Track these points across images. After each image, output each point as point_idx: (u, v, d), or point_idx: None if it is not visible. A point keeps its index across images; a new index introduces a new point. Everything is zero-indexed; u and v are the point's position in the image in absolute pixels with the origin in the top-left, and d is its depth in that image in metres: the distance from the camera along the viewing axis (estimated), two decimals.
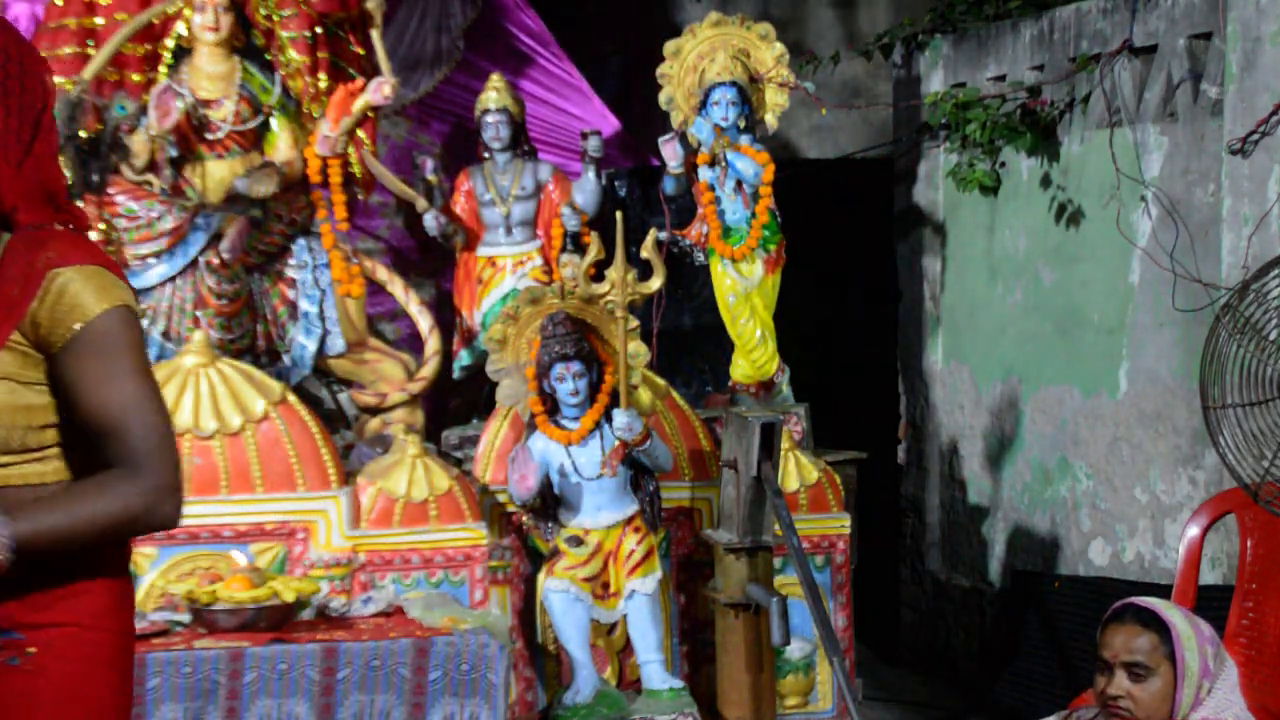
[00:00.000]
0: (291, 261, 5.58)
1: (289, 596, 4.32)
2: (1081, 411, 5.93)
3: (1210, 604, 4.22)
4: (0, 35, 2.16)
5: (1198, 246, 5.26)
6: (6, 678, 2.07)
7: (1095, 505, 5.85)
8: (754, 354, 5.70)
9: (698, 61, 5.64)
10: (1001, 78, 6.35)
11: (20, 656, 2.09)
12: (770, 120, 5.73)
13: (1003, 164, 6.35)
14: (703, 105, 5.57)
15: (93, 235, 5.80)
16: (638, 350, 4.76)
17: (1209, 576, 5.04)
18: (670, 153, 5.57)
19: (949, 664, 6.63)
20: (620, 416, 4.57)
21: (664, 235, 5.58)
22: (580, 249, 5.59)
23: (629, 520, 4.76)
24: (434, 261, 6.73)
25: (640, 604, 4.74)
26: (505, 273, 6.08)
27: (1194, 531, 4.46)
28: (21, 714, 2.08)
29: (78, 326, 2.10)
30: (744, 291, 5.64)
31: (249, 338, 5.47)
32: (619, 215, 4.75)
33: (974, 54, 6.52)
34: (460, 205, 6.10)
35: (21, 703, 2.08)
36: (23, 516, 2.04)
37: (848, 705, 3.58)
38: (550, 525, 4.78)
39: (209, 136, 5.43)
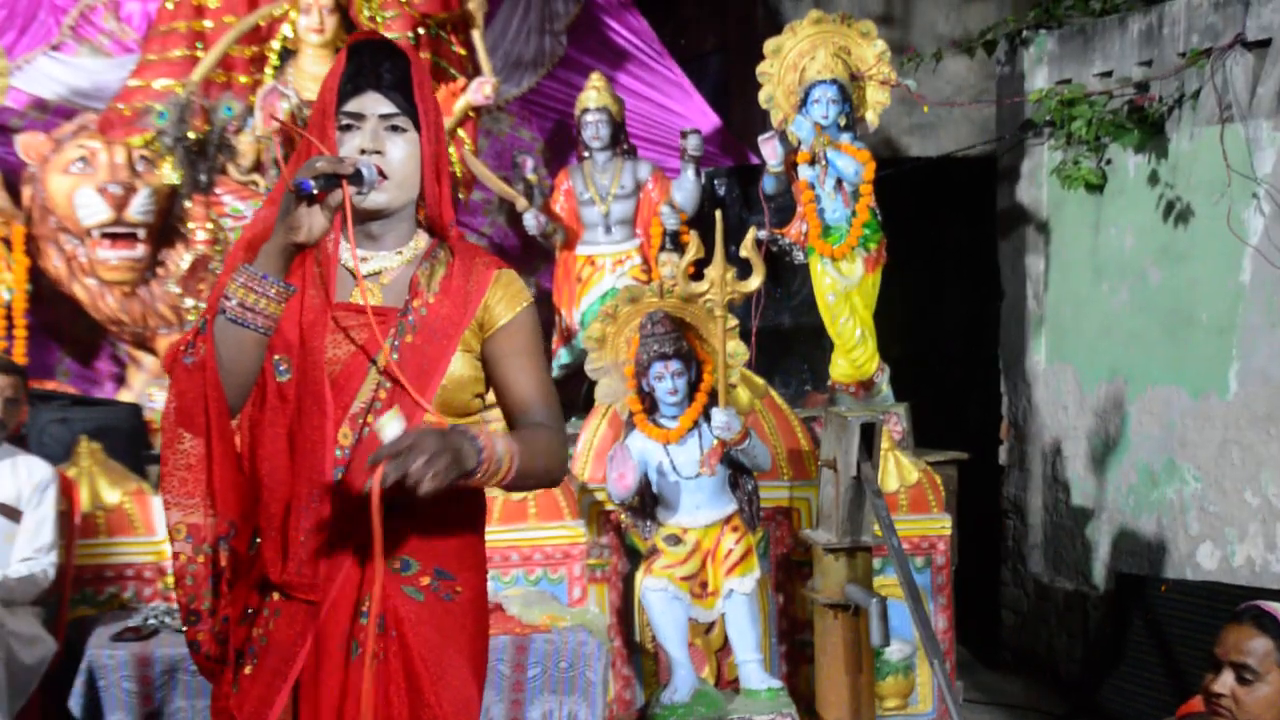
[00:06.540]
0: None
1: None
2: (1189, 413, 5.82)
3: None
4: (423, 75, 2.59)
5: None
6: (443, 608, 2.55)
7: (1204, 508, 5.74)
8: (854, 353, 5.66)
9: (798, 59, 5.62)
10: (1108, 74, 6.25)
11: (452, 594, 2.56)
12: (871, 118, 5.70)
13: (1109, 161, 6.25)
14: (803, 103, 5.54)
15: (200, 234, 5.93)
16: (736, 349, 4.75)
17: None
18: (770, 151, 5.55)
19: (1051, 668, 6.54)
20: (719, 415, 4.56)
21: (763, 234, 5.56)
22: (679, 247, 5.59)
23: (727, 519, 4.74)
24: (533, 260, 6.77)
25: (738, 603, 4.73)
26: (604, 271, 6.10)
27: None
28: (453, 638, 2.56)
29: (516, 312, 2.61)
30: (844, 290, 5.61)
31: None
32: (718, 214, 4.74)
33: (1079, 50, 6.43)
34: (560, 204, 6.13)
35: (455, 629, 2.57)
36: (510, 443, 2.45)
37: (948, 708, 3.54)
38: (648, 524, 4.78)
39: None
